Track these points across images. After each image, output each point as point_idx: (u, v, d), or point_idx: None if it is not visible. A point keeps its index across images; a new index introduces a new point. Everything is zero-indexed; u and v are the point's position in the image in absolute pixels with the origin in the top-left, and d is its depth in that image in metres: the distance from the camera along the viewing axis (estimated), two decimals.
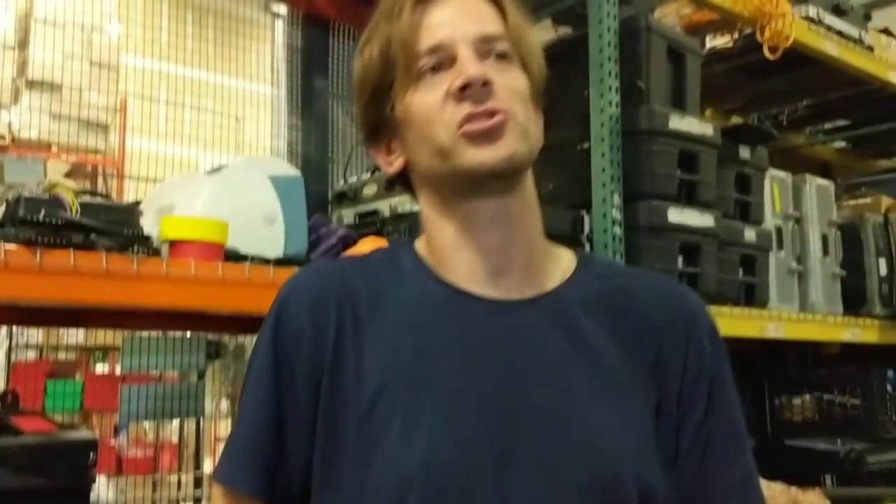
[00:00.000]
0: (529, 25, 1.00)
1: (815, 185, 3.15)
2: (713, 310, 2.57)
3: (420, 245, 1.02)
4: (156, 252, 1.66)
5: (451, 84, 0.92)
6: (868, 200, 3.53)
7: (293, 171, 2.05)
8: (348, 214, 2.31)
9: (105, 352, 4.72)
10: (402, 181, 1.04)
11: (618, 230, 2.34)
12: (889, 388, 3.14)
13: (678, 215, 2.42)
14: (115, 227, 1.60)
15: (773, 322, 2.81)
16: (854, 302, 3.18)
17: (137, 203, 2.27)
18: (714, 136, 2.56)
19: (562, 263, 1.02)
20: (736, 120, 4.12)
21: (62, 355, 4.60)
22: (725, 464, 0.96)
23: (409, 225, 2.11)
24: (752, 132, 2.81)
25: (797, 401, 3.23)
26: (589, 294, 0.97)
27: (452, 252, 0.96)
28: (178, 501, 4.29)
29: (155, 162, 4.67)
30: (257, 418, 0.95)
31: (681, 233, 2.43)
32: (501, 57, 0.95)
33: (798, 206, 3.08)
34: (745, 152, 2.78)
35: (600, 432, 0.88)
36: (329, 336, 0.93)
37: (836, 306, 3.12)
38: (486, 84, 0.91)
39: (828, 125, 4.42)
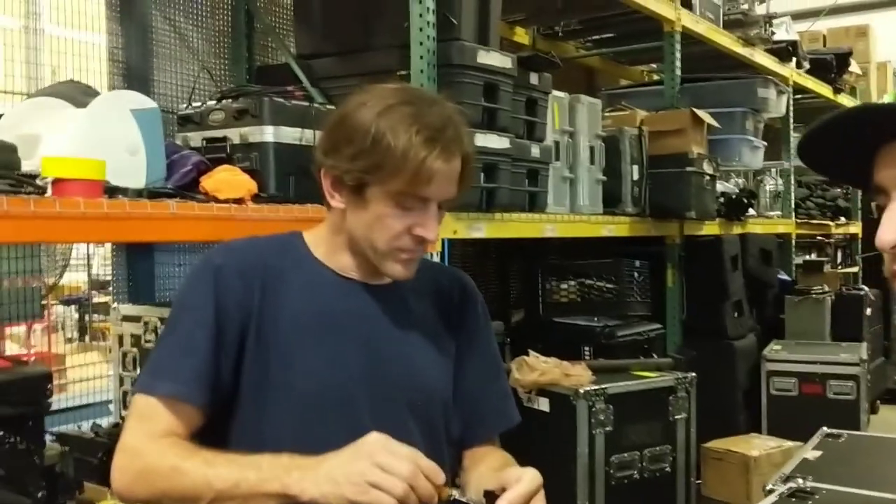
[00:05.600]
0: (473, 161, 1.39)
1: (588, 103, 3.66)
2: (504, 217, 3.06)
3: (308, 239, 1.44)
4: (42, 190, 1.80)
5: (414, 228, 1.32)
6: (627, 113, 4.10)
7: (151, 104, 2.20)
8: (195, 138, 2.47)
9: None
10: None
11: None
12: (636, 274, 3.82)
13: (482, 140, 2.81)
14: (5, 170, 1.73)
15: (550, 224, 3.34)
16: (611, 202, 3.79)
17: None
18: (512, 67, 2.95)
19: None
20: (520, 31, 4.55)
21: None
22: (490, 381, 1.53)
23: (260, 154, 2.33)
24: (542, 61, 3.22)
25: (564, 285, 3.84)
26: (416, 281, 1.43)
27: (342, 260, 1.41)
28: None
29: None
30: (200, 336, 1.31)
31: (483, 155, 2.82)
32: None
33: (573, 122, 3.59)
34: (534, 79, 3.20)
35: (422, 370, 1.43)
36: (254, 292, 1.34)
37: (598, 207, 3.72)
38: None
39: (595, 37, 4.98)
